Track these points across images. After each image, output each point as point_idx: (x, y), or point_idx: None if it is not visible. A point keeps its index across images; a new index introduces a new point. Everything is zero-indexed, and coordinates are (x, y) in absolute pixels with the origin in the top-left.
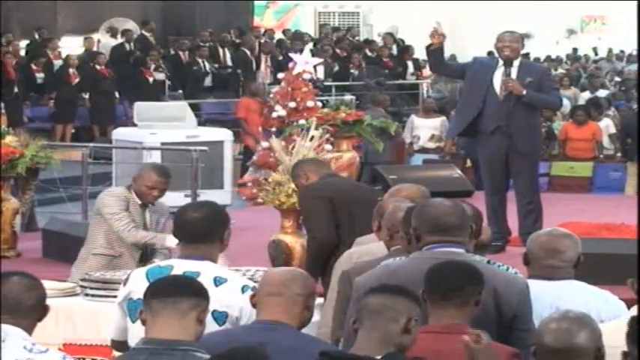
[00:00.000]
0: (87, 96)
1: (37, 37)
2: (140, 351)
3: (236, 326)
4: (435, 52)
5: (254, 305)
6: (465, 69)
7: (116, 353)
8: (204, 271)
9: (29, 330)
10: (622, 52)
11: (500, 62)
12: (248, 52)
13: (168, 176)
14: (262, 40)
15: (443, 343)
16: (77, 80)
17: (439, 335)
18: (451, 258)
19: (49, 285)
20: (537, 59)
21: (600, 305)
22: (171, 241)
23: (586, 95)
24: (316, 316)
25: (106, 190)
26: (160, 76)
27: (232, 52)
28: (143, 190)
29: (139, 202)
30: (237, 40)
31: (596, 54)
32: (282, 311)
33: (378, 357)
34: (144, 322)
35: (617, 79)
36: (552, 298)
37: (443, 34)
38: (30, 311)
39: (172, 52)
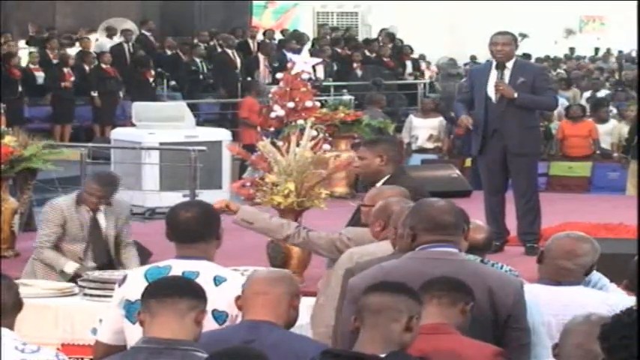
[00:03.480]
0: (95, 94)
1: (30, 33)
2: (140, 350)
3: (221, 327)
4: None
5: (239, 308)
6: (470, 89)
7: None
8: (204, 270)
9: (11, 328)
10: (620, 52)
11: (494, 64)
12: (229, 52)
13: (105, 185)
14: (258, 40)
15: (427, 343)
16: (72, 79)
17: (424, 336)
18: (447, 259)
19: (48, 285)
20: (539, 59)
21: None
22: (70, 267)
23: (586, 95)
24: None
25: (53, 199)
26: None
27: (241, 54)
28: (85, 196)
29: (87, 208)
30: (237, 40)
31: (596, 54)
32: (267, 310)
33: (382, 355)
34: (142, 323)
35: (616, 77)
36: (560, 306)
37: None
38: (12, 310)
39: (171, 52)
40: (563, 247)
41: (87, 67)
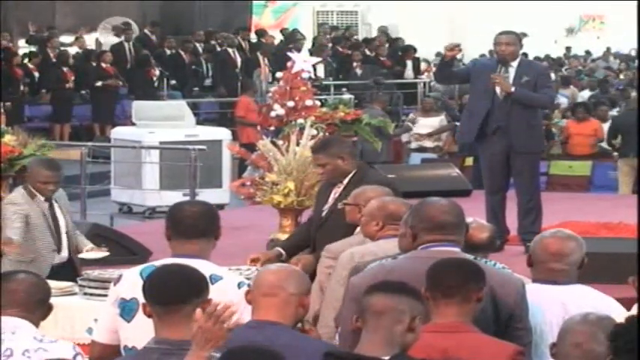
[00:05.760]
0: (86, 92)
1: (31, 32)
2: (152, 350)
3: None
4: (447, 63)
5: (249, 302)
6: (469, 72)
7: None
8: (200, 269)
9: (36, 324)
10: (618, 52)
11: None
12: (230, 51)
13: (58, 169)
14: (250, 41)
15: (449, 341)
16: (72, 79)
17: (445, 334)
18: (453, 256)
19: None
20: (539, 58)
21: (604, 312)
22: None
23: (585, 94)
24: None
25: (8, 197)
26: None
27: (241, 54)
28: (38, 186)
29: (43, 198)
30: (243, 42)
31: (590, 54)
32: (275, 311)
33: (385, 358)
34: (149, 317)
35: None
36: (558, 304)
37: (459, 47)
38: (37, 306)
39: (171, 51)
40: (548, 249)
41: (87, 66)
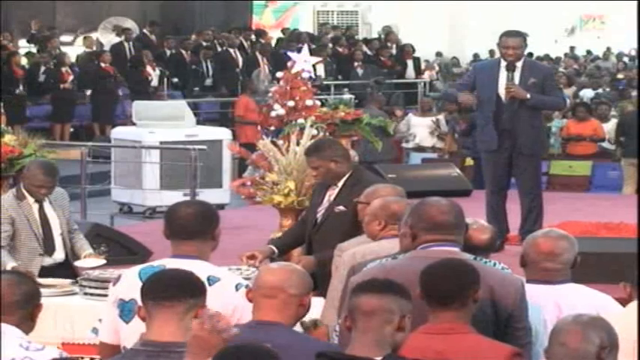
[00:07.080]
0: (88, 92)
1: (32, 30)
2: (138, 352)
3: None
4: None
5: (250, 301)
6: (471, 82)
7: None
8: (198, 270)
9: (21, 327)
10: (622, 53)
11: (503, 63)
12: (231, 51)
13: (54, 175)
14: (247, 42)
15: (445, 343)
16: (71, 79)
17: (441, 336)
18: (446, 258)
19: (48, 284)
20: (539, 58)
21: (599, 310)
22: (11, 265)
23: (587, 93)
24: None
25: None
26: None
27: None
28: (31, 188)
29: (33, 199)
30: (245, 42)
31: (590, 54)
32: (275, 312)
33: (377, 358)
34: (144, 320)
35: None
36: (553, 304)
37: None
38: (16, 307)
39: (170, 51)
40: (541, 249)
41: (88, 66)
